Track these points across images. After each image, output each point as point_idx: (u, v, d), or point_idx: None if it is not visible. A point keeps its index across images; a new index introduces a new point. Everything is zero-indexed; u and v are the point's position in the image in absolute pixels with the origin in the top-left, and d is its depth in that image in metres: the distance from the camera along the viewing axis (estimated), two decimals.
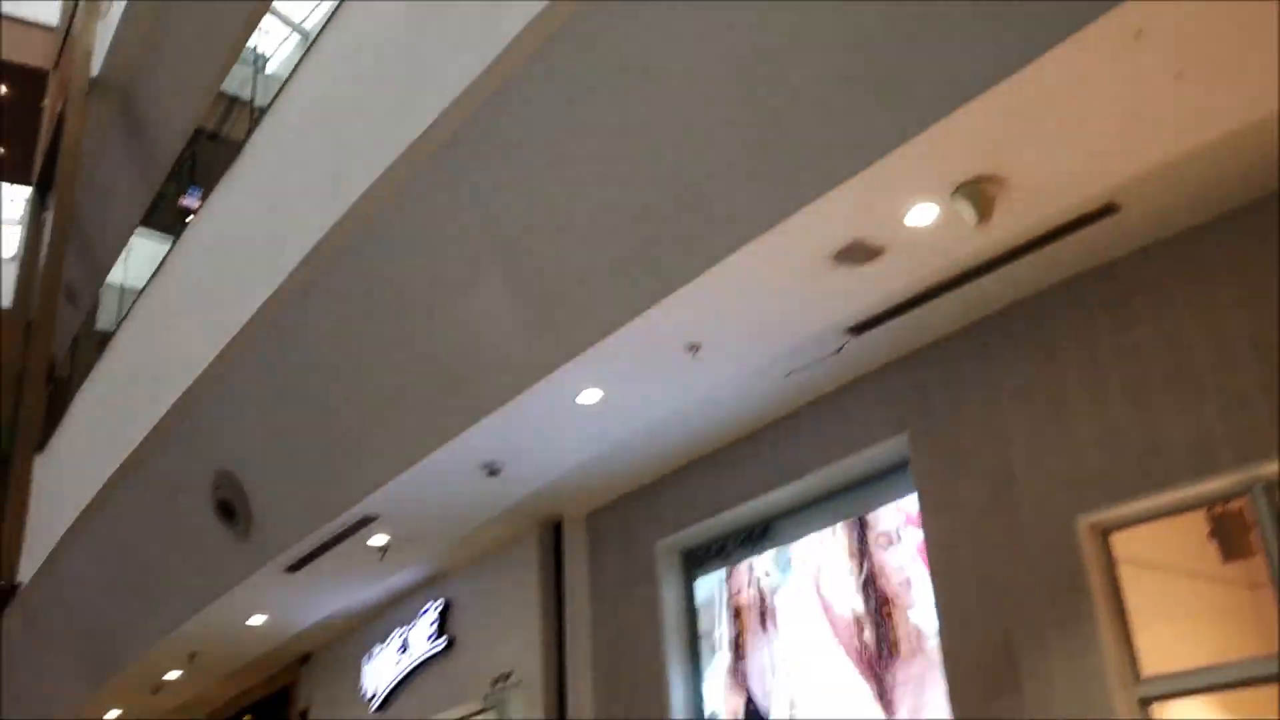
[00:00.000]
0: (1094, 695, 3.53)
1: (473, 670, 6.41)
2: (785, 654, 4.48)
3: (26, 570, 9.20)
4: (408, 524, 5.68)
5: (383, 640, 7.36)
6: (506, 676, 6.09)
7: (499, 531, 6.06)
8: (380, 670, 7.33)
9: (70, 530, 7.92)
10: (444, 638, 6.67)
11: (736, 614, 4.86)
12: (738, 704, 4.70)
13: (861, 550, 4.45)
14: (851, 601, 4.37)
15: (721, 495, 5.12)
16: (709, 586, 5.26)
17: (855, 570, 4.42)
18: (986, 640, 3.86)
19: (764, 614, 4.65)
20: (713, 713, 4.91)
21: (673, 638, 5.26)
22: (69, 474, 8.57)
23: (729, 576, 4.94)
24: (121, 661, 8.27)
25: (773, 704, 4.45)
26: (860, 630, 4.24)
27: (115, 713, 9.60)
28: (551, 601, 5.93)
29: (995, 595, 3.88)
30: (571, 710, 5.68)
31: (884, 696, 4.22)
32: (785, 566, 4.64)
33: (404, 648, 7.06)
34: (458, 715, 6.80)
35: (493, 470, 5.03)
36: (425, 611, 6.87)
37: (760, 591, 4.71)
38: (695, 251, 3.62)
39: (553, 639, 5.87)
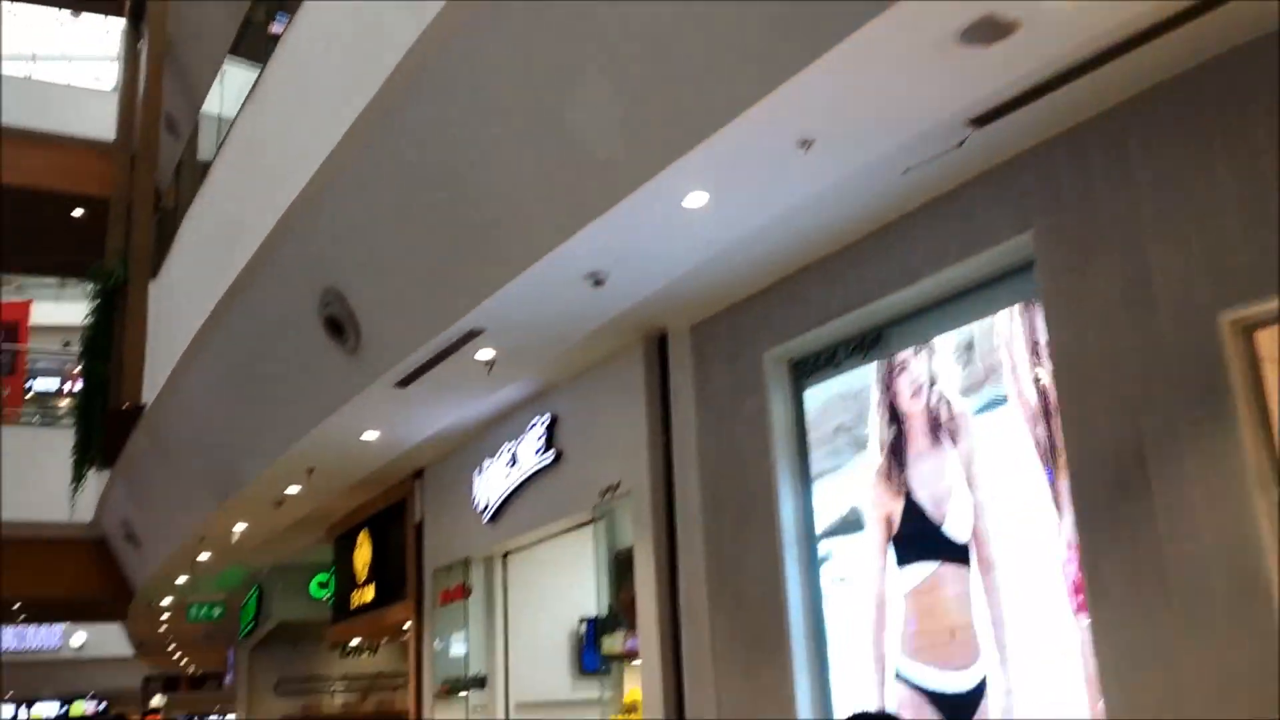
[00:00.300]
0: (1231, 499, 3.38)
1: (581, 482, 6.50)
2: (965, 465, 4.31)
3: (149, 392, 9.55)
4: (513, 337, 5.66)
5: (492, 455, 7.50)
6: (615, 487, 6.15)
7: (604, 345, 6.02)
8: (490, 483, 7.50)
9: (187, 353, 8.13)
10: (551, 451, 6.75)
11: (893, 415, 4.69)
12: (894, 507, 4.60)
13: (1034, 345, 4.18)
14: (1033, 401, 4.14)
15: (831, 303, 4.96)
16: (822, 395, 5.15)
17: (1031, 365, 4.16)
18: (1116, 446, 3.71)
19: (935, 420, 4.47)
20: (853, 508, 4.84)
21: (781, 449, 5.20)
22: (182, 299, 8.76)
23: (889, 374, 4.74)
24: (244, 477, 8.60)
25: (948, 515, 4.32)
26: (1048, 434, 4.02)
27: (242, 525, 10.08)
28: (658, 414, 5.92)
29: (1126, 398, 3.71)
30: (680, 519, 5.73)
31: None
32: (967, 363, 4.40)
33: (513, 461, 7.18)
34: (567, 525, 6.96)
35: (597, 280, 4.94)
36: (533, 426, 6.94)
37: (933, 394, 4.52)
38: (806, 37, 3.36)
39: (659, 451, 5.88)
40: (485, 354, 5.87)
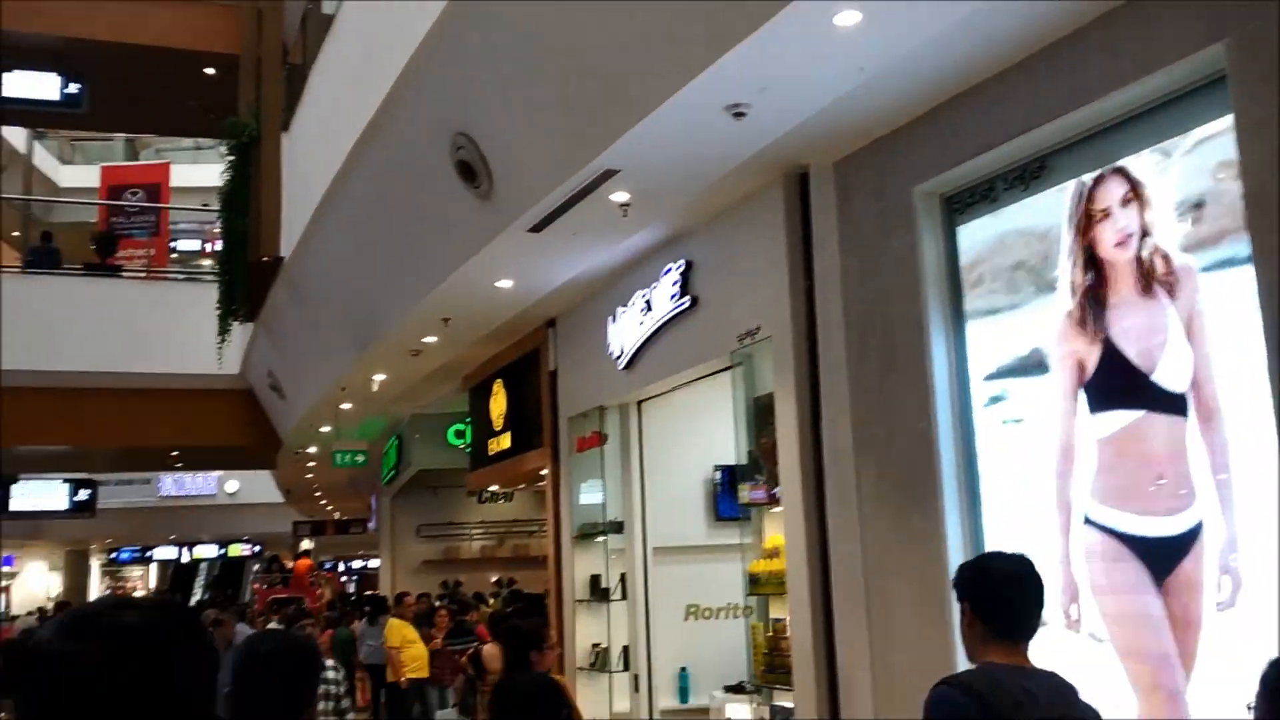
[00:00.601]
0: None
1: (718, 327, 6.37)
2: (1185, 319, 4.00)
3: (287, 245, 9.69)
4: (649, 178, 5.47)
5: (625, 302, 7.42)
6: (754, 332, 6.01)
7: (742, 185, 5.79)
8: (625, 331, 7.44)
9: (321, 204, 8.18)
10: (687, 297, 6.62)
11: (1090, 260, 4.37)
12: (1087, 353, 4.33)
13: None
14: None
15: (988, 131, 4.62)
16: (992, 229, 4.85)
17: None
18: None
19: (1147, 271, 4.14)
20: (1034, 350, 4.60)
21: (933, 289, 4.96)
22: (315, 151, 8.78)
23: (1085, 219, 4.40)
24: (382, 327, 8.73)
25: (1159, 365, 4.04)
26: None
27: (381, 375, 10.30)
28: (799, 255, 5.71)
29: None
30: (823, 364, 5.57)
31: None
32: (1195, 220, 4.04)
33: (647, 308, 7.08)
34: (703, 371, 6.87)
35: (738, 113, 4.69)
36: (668, 271, 6.81)
37: (1144, 245, 4.18)
38: None
39: (801, 294, 5.69)
40: (620, 196, 5.71)
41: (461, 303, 7.83)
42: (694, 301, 6.59)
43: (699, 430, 8.03)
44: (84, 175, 27.79)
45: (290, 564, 28.21)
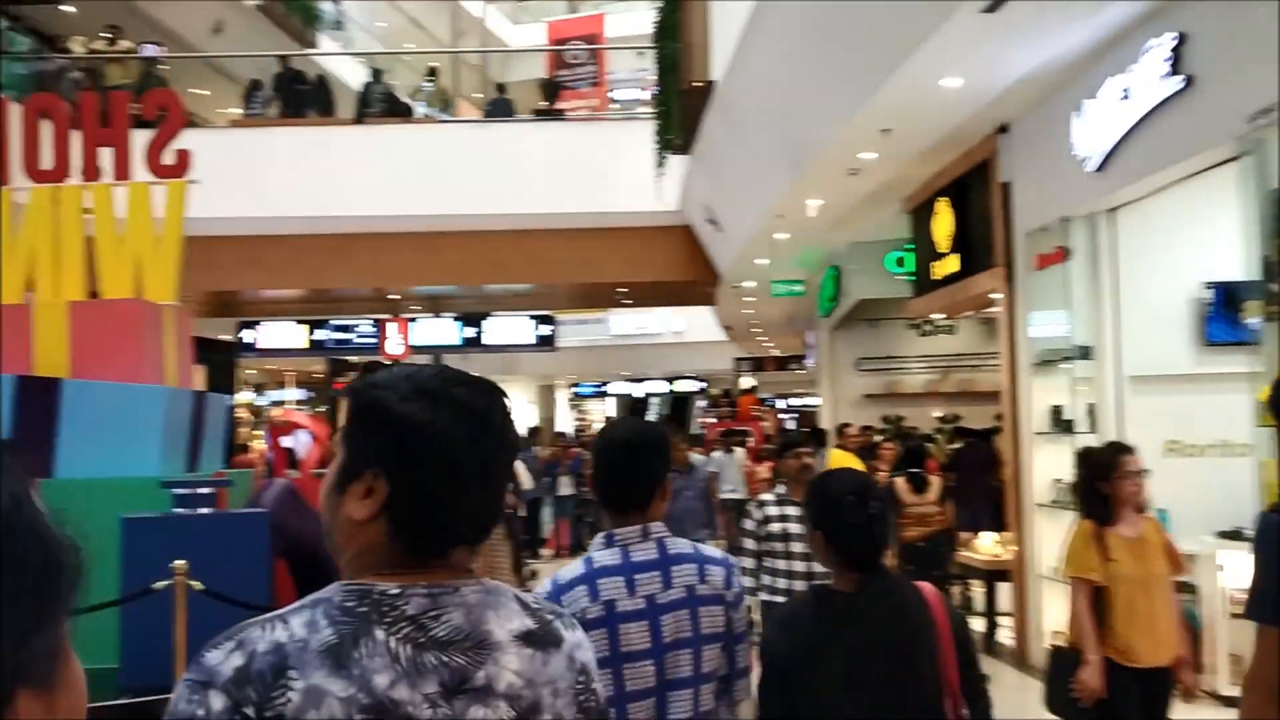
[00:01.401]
0: None
1: (1220, 109, 5.26)
2: None
3: (718, 68, 9.41)
4: None
5: (1094, 94, 6.40)
6: (1270, 109, 4.88)
7: None
8: (1095, 128, 6.43)
9: (751, 20, 7.76)
10: (1179, 76, 5.53)
11: None
12: None
13: None
14: None
15: None
16: None
17: None
18: None
19: None
20: None
21: None
22: None
23: None
24: (817, 145, 8.26)
25: None
26: None
27: (817, 201, 9.88)
28: None
29: None
30: None
31: None
32: None
33: (1124, 96, 6.03)
34: (1199, 165, 5.78)
35: None
36: (1150, 49, 5.71)
37: None
38: None
39: None
40: None
41: (902, 110, 7.15)
42: (1188, 81, 5.49)
43: (1183, 242, 6.92)
44: (531, 34, 29.38)
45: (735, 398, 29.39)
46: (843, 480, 2.75)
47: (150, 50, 16.33)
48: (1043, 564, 7.51)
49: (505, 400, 1.38)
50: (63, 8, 18.10)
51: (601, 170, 14.04)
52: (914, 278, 10.40)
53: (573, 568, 2.40)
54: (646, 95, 22.87)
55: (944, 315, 13.31)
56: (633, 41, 28.54)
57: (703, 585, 2.37)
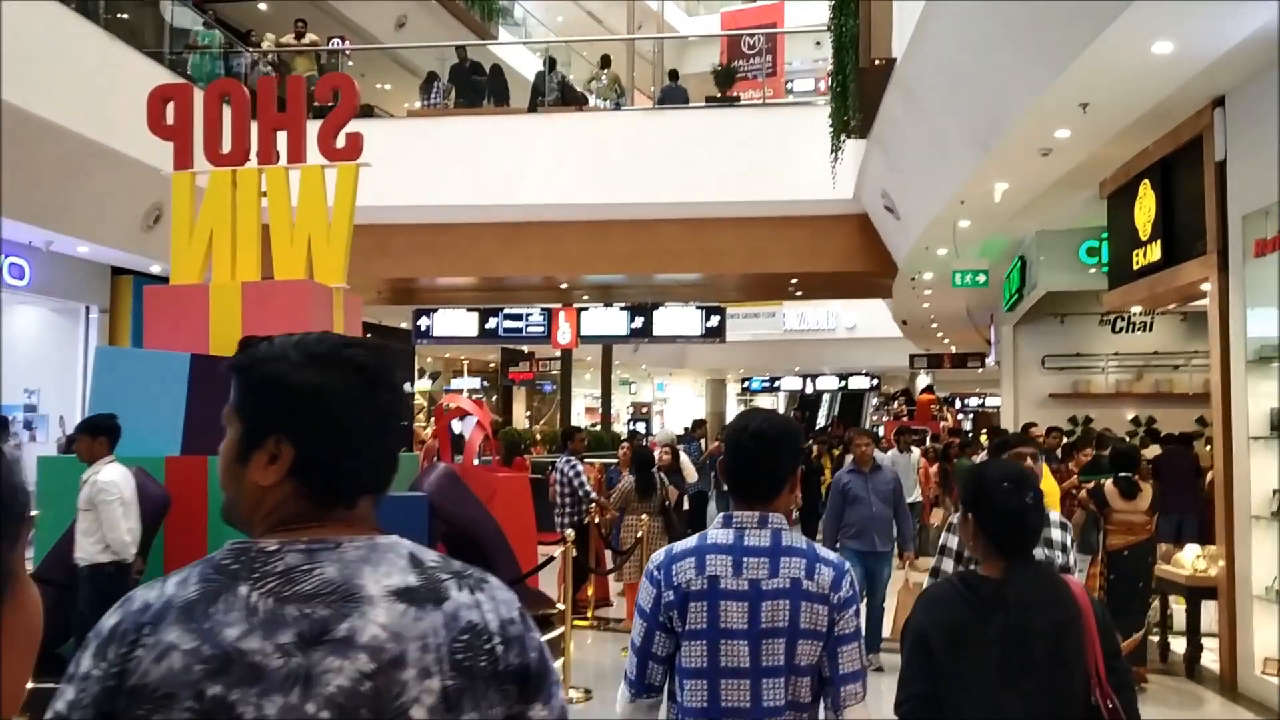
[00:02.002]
0: None
1: None
2: None
3: (899, 44, 8.94)
4: None
5: None
6: None
7: None
8: None
9: None
10: None
11: None
12: None
13: None
14: None
15: None
16: None
17: None
18: None
19: None
20: None
21: None
22: None
23: None
24: (1007, 122, 7.70)
25: None
26: None
27: (1003, 185, 9.29)
28: None
29: None
30: None
31: None
32: None
33: None
34: None
35: None
36: None
37: None
38: None
39: None
40: None
41: (1104, 80, 6.55)
42: None
43: None
44: (706, 24, 29.14)
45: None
46: (1000, 468, 2.82)
47: (335, 44, 16.82)
48: (1257, 583, 6.79)
49: (392, 356, 1.44)
50: (258, 5, 18.90)
51: (774, 158, 13.68)
52: (1109, 268, 9.65)
53: (688, 541, 2.49)
54: (823, 86, 22.37)
55: (1142, 309, 12.38)
56: (811, 31, 28.17)
57: (809, 581, 2.38)
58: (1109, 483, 8.04)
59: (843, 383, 35.93)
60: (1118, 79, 6.52)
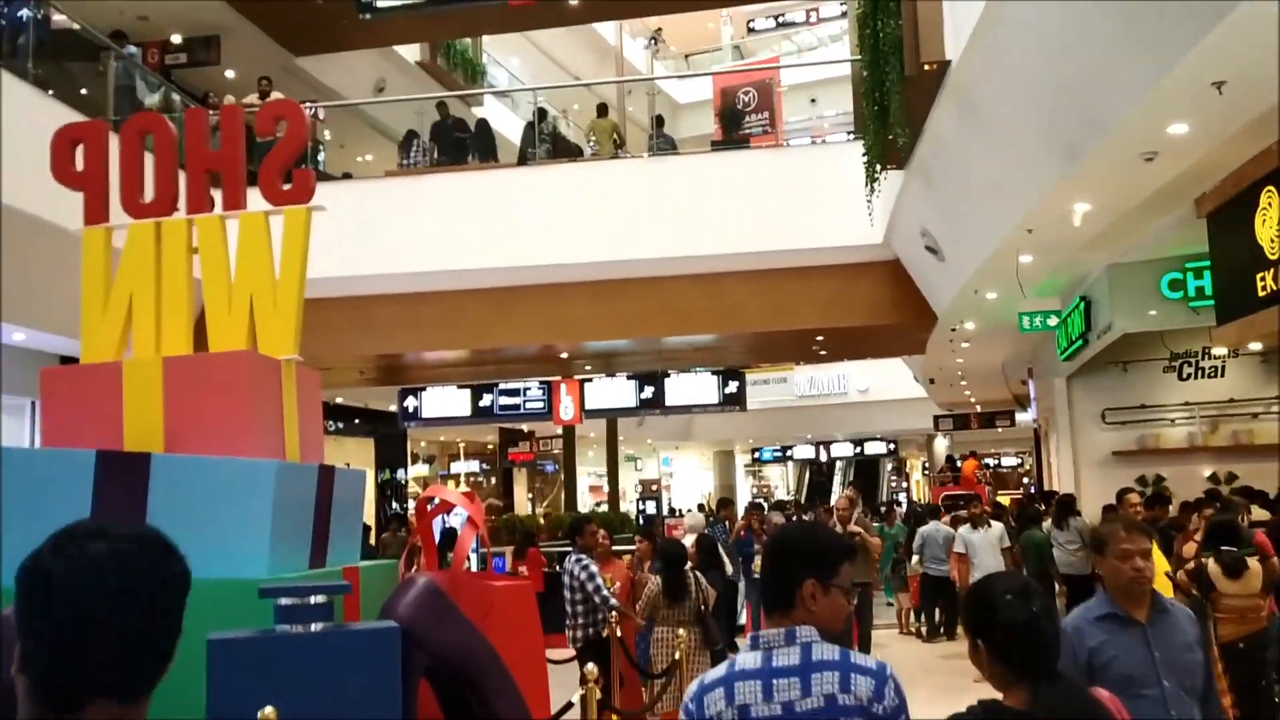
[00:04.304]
0: None
1: None
2: None
3: (953, 48, 7.57)
4: None
5: None
6: None
7: None
8: None
9: None
10: None
11: None
12: None
13: None
14: None
15: None
16: None
17: None
18: None
19: None
20: None
21: None
22: None
23: None
24: (1110, 120, 6.26)
25: None
26: None
27: (1083, 206, 7.84)
28: None
29: None
30: None
31: None
32: None
33: None
34: None
35: None
36: None
37: None
38: None
39: None
40: None
41: (1252, 48, 5.11)
42: None
43: None
44: (698, 90, 28.06)
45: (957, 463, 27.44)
46: (1001, 580, 2.63)
47: (308, 108, 15.54)
48: None
49: (158, 559, 1.40)
50: (225, 74, 17.67)
51: (793, 203, 12.31)
52: (1216, 300, 8.17)
53: (718, 670, 2.43)
54: (821, 142, 21.22)
55: (1263, 345, 10.79)
56: (806, 89, 27.22)
57: (844, 695, 2.30)
58: (1210, 561, 6.57)
59: (857, 449, 34.29)
60: (1253, 61, 5.08)
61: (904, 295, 12.58)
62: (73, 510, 4.93)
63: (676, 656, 6.91)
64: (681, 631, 7.11)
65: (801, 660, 2.33)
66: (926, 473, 37.98)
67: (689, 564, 7.78)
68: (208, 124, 6.54)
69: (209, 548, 5.04)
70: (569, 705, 4.92)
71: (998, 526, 11.01)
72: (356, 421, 22.70)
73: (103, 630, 1.28)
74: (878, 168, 9.35)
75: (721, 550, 10.52)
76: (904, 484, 38.92)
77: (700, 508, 22.85)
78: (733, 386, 14.70)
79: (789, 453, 35.86)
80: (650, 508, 25.24)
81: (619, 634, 7.55)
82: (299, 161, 6.24)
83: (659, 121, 14.97)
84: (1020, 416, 22.11)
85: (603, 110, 14.72)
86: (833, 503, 27.83)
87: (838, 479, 37.26)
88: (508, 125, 19.20)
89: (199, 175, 6.32)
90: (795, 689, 2.30)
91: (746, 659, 2.38)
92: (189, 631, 3.66)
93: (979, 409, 24.28)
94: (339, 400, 21.20)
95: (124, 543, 1.33)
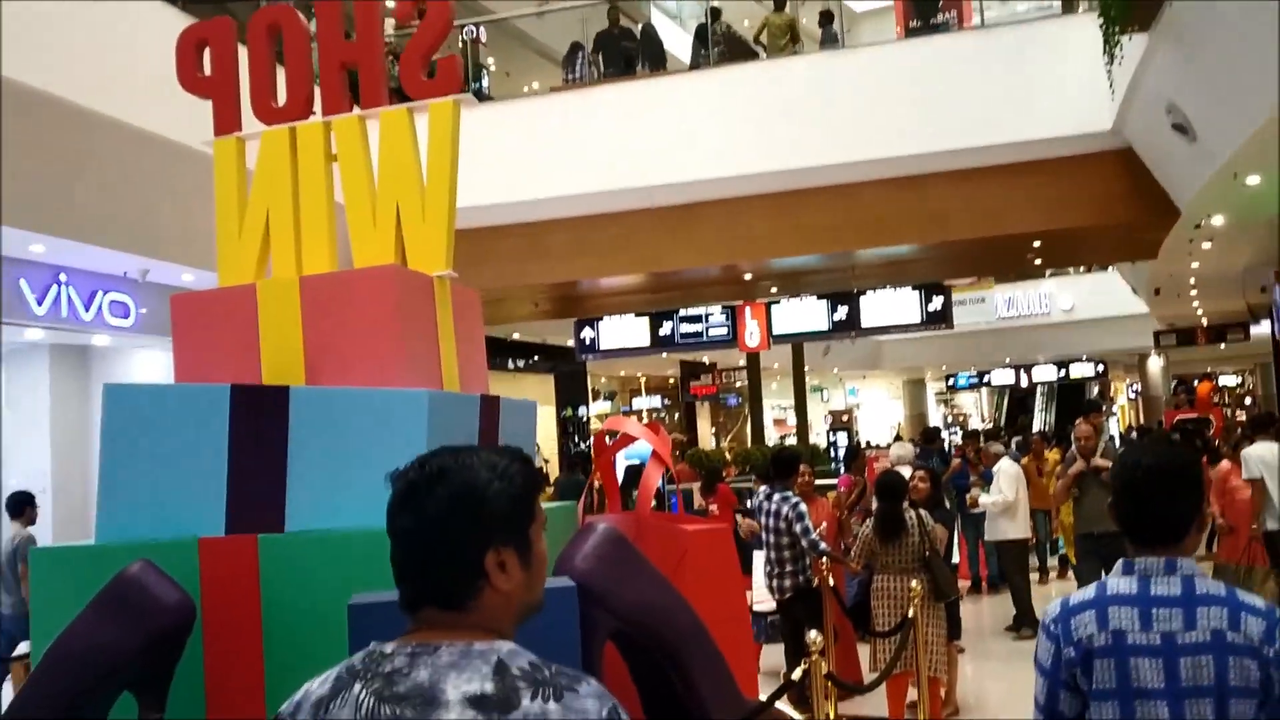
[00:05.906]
0: None
1: None
2: None
3: None
4: None
5: None
6: None
7: None
8: None
9: None
10: None
11: None
12: None
13: None
14: None
15: None
16: None
17: None
18: None
19: None
20: None
21: None
22: None
23: None
24: None
25: None
26: None
27: None
28: None
29: None
30: None
31: None
32: None
33: None
34: None
35: None
36: None
37: None
38: None
39: None
40: None
41: None
42: None
43: None
44: None
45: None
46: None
47: (469, 31, 14.83)
48: None
49: (435, 489, 1.56)
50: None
51: (1003, 91, 10.87)
52: None
53: (1084, 591, 2.31)
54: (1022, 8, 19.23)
55: None
56: None
57: (1234, 633, 2.14)
58: None
59: (1062, 372, 32.04)
60: None
61: (1138, 189, 10.98)
62: (208, 454, 4.14)
63: (911, 613, 5.82)
64: (915, 584, 6.04)
65: (1184, 591, 2.20)
66: (1135, 396, 35.35)
67: (908, 499, 6.69)
68: (341, 14, 5.72)
69: (356, 491, 4.20)
70: (789, 684, 3.95)
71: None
72: (535, 359, 22.27)
73: (397, 550, 1.54)
74: (1116, 31, 7.88)
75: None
76: (1110, 410, 36.34)
77: (897, 438, 21.51)
78: (937, 303, 13.35)
79: (986, 378, 33.87)
80: (841, 439, 24.02)
81: (831, 582, 6.55)
82: (443, 50, 5.39)
83: (827, 17, 13.52)
84: (1254, 329, 19.87)
85: (780, 3, 13.40)
86: (1035, 429, 26.00)
87: (1038, 404, 35.08)
88: (673, 39, 18.14)
89: (334, 72, 5.52)
90: (1177, 620, 2.18)
91: (1119, 583, 2.25)
92: (329, 589, 2.87)
93: (1205, 322, 22.01)
94: (516, 336, 20.77)
95: (412, 472, 1.56)
